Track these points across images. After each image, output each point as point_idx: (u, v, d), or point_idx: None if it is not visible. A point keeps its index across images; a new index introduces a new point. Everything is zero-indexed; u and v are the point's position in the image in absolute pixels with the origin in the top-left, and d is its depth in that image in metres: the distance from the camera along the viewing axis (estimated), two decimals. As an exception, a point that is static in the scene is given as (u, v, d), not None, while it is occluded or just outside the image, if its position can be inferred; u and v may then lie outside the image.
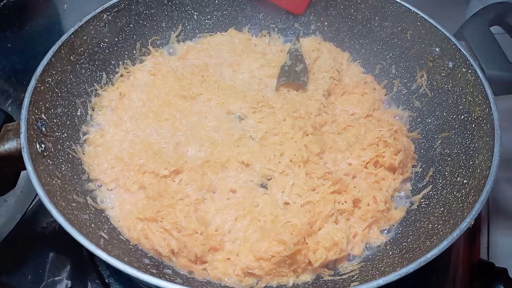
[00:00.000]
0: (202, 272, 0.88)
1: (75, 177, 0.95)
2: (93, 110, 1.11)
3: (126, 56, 1.20)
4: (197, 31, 1.32)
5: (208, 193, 0.97)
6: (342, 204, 0.96)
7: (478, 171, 0.89)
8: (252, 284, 0.88)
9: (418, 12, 1.13)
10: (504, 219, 1.42)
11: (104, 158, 1.03)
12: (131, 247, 0.91)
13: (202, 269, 0.88)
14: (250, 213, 0.93)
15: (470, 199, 0.85)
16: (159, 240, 0.88)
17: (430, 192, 1.02)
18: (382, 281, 0.70)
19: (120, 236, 0.92)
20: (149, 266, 0.85)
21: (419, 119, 1.16)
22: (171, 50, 1.30)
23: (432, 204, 0.99)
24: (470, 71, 1.02)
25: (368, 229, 0.97)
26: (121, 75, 1.19)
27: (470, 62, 1.02)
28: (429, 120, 1.13)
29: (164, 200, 0.94)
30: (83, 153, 1.02)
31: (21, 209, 1.21)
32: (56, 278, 1.01)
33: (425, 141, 1.12)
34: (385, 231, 1.00)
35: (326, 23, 1.31)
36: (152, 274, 0.69)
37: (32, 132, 0.86)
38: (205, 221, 0.92)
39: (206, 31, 1.33)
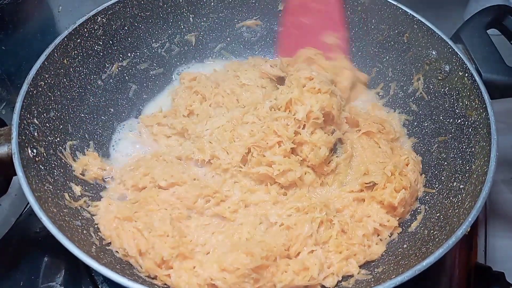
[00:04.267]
0: (165, 278, 0.84)
1: (68, 182, 0.94)
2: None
3: (120, 58, 1.19)
4: (192, 33, 1.31)
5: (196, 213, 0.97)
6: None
7: (475, 176, 0.89)
8: None
9: (415, 14, 1.12)
10: (501, 221, 1.41)
11: None
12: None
13: (166, 275, 0.84)
14: (228, 229, 0.92)
15: (466, 205, 0.84)
16: (129, 239, 0.86)
17: (426, 197, 1.01)
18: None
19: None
20: (142, 274, 0.84)
21: (415, 123, 1.16)
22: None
23: (428, 209, 0.98)
24: (466, 75, 1.01)
25: (345, 261, 0.90)
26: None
27: (466, 66, 1.01)
28: (426, 124, 1.12)
29: (148, 206, 0.93)
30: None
31: (15, 212, 1.20)
32: (50, 284, 1.00)
33: (421, 145, 1.12)
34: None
35: (323, 26, 1.30)
36: (143, 283, 0.69)
37: (24, 137, 0.85)
38: (181, 231, 0.90)
39: (202, 33, 1.32)
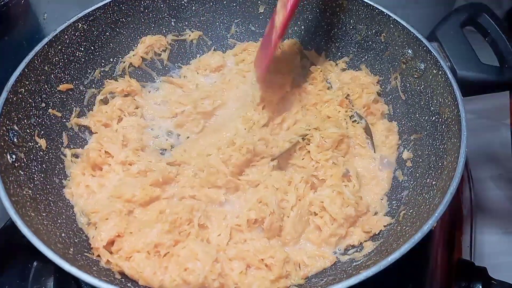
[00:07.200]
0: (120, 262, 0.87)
1: (48, 186, 0.96)
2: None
3: (102, 64, 1.20)
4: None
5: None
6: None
7: (446, 172, 0.90)
8: None
9: (391, 14, 1.13)
10: (487, 217, 1.42)
11: None
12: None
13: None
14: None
15: (436, 200, 0.85)
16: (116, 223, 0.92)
17: (403, 195, 1.03)
18: (341, 285, 0.71)
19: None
20: (117, 276, 0.86)
21: (393, 121, 1.17)
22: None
23: (403, 206, 0.99)
24: (440, 72, 1.02)
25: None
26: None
27: (440, 64, 1.02)
28: (403, 122, 1.14)
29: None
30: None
31: (4, 217, 1.21)
32: (39, 289, 1.01)
33: (399, 142, 1.13)
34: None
35: (303, 27, 1.32)
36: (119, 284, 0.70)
37: (2, 143, 0.87)
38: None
39: (184, 37, 1.33)
